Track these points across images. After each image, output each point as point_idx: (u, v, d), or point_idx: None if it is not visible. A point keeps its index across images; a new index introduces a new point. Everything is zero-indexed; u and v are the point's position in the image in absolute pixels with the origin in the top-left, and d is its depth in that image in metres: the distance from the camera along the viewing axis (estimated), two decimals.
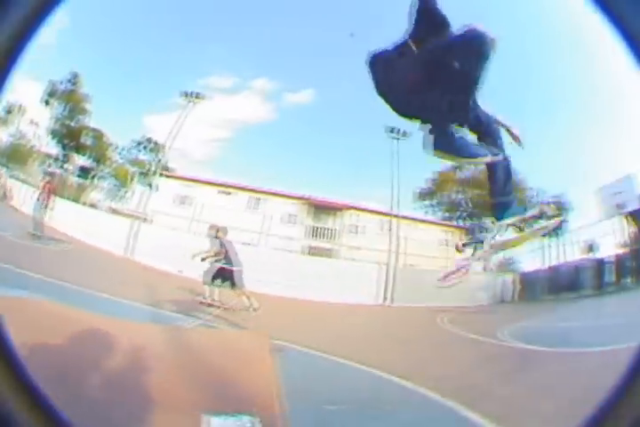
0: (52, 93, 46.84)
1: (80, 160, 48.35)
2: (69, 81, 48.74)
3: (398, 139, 28.10)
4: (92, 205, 42.61)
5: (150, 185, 34.21)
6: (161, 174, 35.56)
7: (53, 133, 46.87)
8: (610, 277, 21.87)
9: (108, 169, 48.93)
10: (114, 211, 39.75)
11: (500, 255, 36.14)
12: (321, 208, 34.04)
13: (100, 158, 48.41)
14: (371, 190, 52.58)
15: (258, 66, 54.79)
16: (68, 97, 46.91)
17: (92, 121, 48.56)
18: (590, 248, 30.36)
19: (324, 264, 23.81)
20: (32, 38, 0.72)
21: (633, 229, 12.29)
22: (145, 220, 26.29)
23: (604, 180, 14.69)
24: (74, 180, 45.24)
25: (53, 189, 21.24)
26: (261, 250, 24.53)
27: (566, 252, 29.62)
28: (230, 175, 38.07)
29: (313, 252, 29.93)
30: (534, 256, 30.83)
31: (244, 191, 33.91)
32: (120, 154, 50.38)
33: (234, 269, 13.35)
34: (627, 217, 12.76)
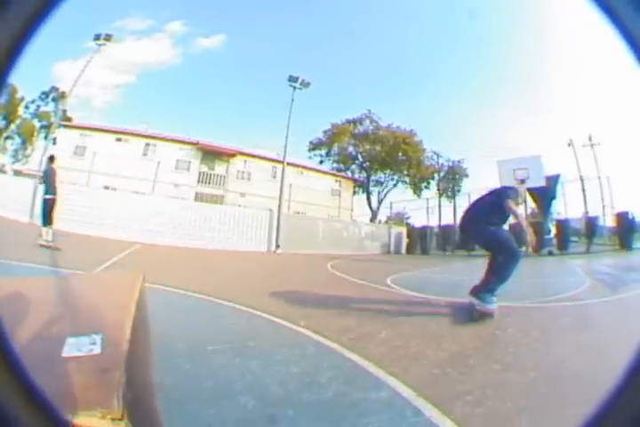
0: None
1: None
2: None
3: (299, 88, 28.01)
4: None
5: (50, 139, 31.87)
6: (61, 126, 33.20)
7: None
8: None
9: (15, 127, 44.78)
10: (17, 172, 36.28)
11: (392, 208, 37.87)
12: (212, 154, 33.46)
13: (10, 116, 44.33)
14: (265, 139, 52.40)
15: (175, 7, 51.97)
16: None
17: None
18: None
19: (214, 211, 22.82)
20: (32, 38, 0.69)
21: (531, 205, 12.94)
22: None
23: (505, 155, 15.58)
24: None
25: None
26: (153, 199, 23.80)
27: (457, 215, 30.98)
28: (128, 122, 36.91)
29: (204, 198, 29.63)
30: (428, 213, 32.64)
31: (137, 138, 32.74)
32: (27, 108, 46.46)
33: (45, 197, 12.28)
34: (526, 192, 13.54)
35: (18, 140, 45.12)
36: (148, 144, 32.48)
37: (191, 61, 46.18)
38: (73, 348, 1.72)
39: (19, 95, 43.29)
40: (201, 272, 11.82)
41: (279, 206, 24.68)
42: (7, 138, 44.45)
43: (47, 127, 42.13)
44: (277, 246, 22.21)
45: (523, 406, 3.12)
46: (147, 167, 29.60)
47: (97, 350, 1.69)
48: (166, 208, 21.69)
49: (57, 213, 12.23)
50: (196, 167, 32.72)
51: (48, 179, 12.59)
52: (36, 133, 44.76)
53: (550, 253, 21.05)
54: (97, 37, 28.30)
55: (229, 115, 49.40)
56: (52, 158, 13.03)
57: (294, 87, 27.77)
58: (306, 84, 28.14)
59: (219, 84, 50.67)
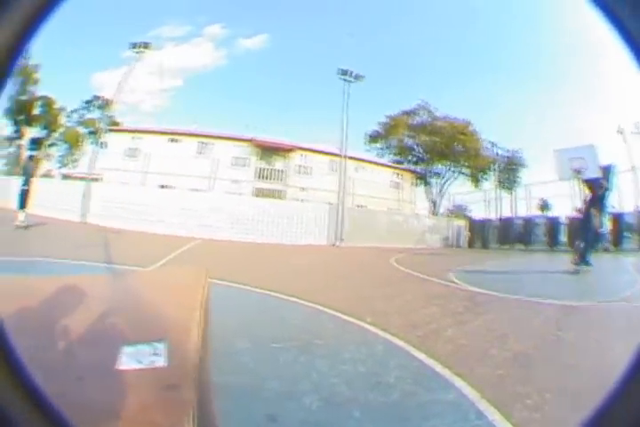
0: None
1: (31, 132, 46.93)
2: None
3: (350, 81, 27.69)
4: (46, 175, 40.90)
5: (101, 143, 33.20)
6: (109, 130, 34.10)
7: (6, 113, 45.18)
8: (562, 237, 23.25)
9: (58, 135, 47.73)
10: (66, 177, 38.34)
11: (452, 201, 37.15)
12: (269, 150, 33.31)
13: (51, 126, 46.64)
14: (322, 133, 52.26)
15: (210, 12, 52.62)
16: (22, 71, 45.52)
17: (41, 90, 47.56)
18: (544, 206, 31.61)
19: (272, 206, 22.91)
20: (32, 38, 0.69)
21: (587, 195, 12.75)
22: (95, 179, 25.32)
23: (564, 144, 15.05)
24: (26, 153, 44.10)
25: None
26: (211, 195, 24.20)
27: (517, 205, 31.25)
28: (180, 124, 37.71)
29: (263, 193, 29.49)
30: (487, 205, 31.84)
31: (191, 137, 33.24)
32: (69, 117, 49.22)
33: (23, 188, 15.10)
34: (583, 183, 13.22)
35: (63, 146, 47.41)
36: (202, 143, 32.95)
37: (236, 61, 46.53)
38: (130, 358, 1.56)
39: (57, 106, 45.48)
40: (262, 267, 11.90)
41: (340, 200, 24.67)
42: (51, 145, 46.68)
43: (94, 133, 44.41)
44: (341, 240, 22.24)
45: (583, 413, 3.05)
46: (202, 165, 30.11)
47: (161, 361, 1.52)
48: (224, 204, 22.03)
49: (30, 200, 15.24)
50: (254, 163, 32.69)
51: (26, 174, 15.82)
52: (81, 140, 46.81)
53: (606, 250, 20.06)
54: (134, 46, 28.97)
55: (284, 111, 49.70)
56: (31, 157, 17.78)
57: (346, 80, 27.55)
58: (358, 77, 27.86)
59: (269, 82, 50.97)
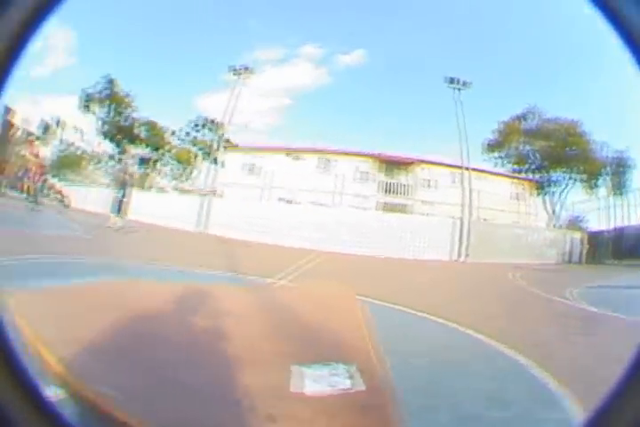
0: (88, 100, 50.71)
1: (137, 151, 52.38)
2: (108, 82, 52.45)
3: (459, 89, 27.85)
4: (160, 190, 45.72)
5: (215, 161, 35.59)
6: (225, 148, 36.85)
7: (104, 134, 51.02)
8: None
9: (168, 153, 52.51)
10: (182, 191, 42.09)
11: (570, 211, 34.71)
12: (392, 164, 33.22)
13: (157, 146, 51.99)
14: (438, 144, 51.48)
15: (301, 33, 54.02)
16: (110, 99, 50.75)
17: (142, 113, 52.12)
18: None
19: (398, 220, 23.56)
20: (32, 38, 0.77)
21: None
22: (214, 194, 27.97)
23: None
24: (136, 170, 49.15)
25: None
26: (335, 210, 25.03)
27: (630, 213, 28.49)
28: (294, 140, 38.68)
29: (387, 208, 29.53)
30: (600, 215, 29.73)
31: (311, 154, 33.98)
32: (178, 138, 53.80)
33: (120, 198, 18.68)
34: None
35: (174, 164, 51.98)
36: (321, 158, 33.44)
37: (339, 77, 47.49)
38: (310, 380, 1.29)
39: (159, 127, 49.64)
40: (387, 281, 12.09)
41: (465, 214, 24.66)
42: (161, 163, 51.29)
43: (206, 152, 48.47)
44: (466, 255, 21.98)
45: None
46: (324, 180, 30.72)
47: (359, 384, 1.29)
48: (348, 218, 22.73)
49: (126, 208, 18.98)
50: (376, 177, 32.47)
51: (122, 186, 19.98)
52: (193, 158, 51.10)
53: None
54: (234, 70, 30.58)
55: (395, 123, 49.69)
56: (125, 172, 23.52)
57: (455, 88, 27.60)
58: (466, 84, 27.81)
59: (374, 95, 51.42)
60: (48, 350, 2.02)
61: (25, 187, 29.64)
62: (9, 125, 30.20)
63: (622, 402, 0.63)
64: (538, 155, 36.92)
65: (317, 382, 1.50)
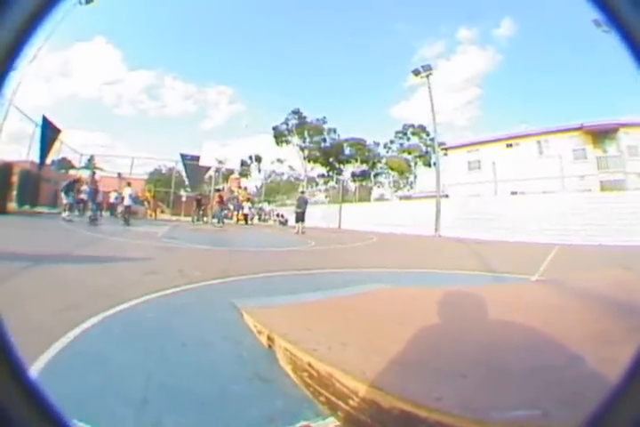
0: (278, 136, 57.68)
1: (350, 168, 58.56)
2: (294, 113, 57.94)
3: None
4: (380, 199, 50.84)
5: (432, 164, 36.76)
6: (444, 149, 37.91)
7: (310, 159, 57.35)
8: None
9: (382, 165, 57.62)
10: (403, 198, 45.43)
11: None
12: (598, 134, 29.98)
13: (367, 160, 57.62)
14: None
15: (445, 20, 53.13)
16: (302, 128, 56.86)
17: (343, 134, 57.60)
18: None
19: (620, 200, 19.66)
20: (32, 38, 0.72)
21: None
22: (440, 196, 27.13)
23: None
24: (352, 185, 54.66)
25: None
26: (560, 196, 22.68)
27: None
28: (503, 128, 37.85)
29: (607, 186, 26.60)
30: None
31: (526, 139, 32.86)
32: (388, 150, 58.80)
33: (297, 211, 22.88)
34: None
35: (390, 173, 57.34)
36: (539, 142, 32.10)
37: (507, 52, 46.80)
38: None
39: (367, 142, 57.77)
40: None
41: None
42: (377, 175, 57.74)
43: (419, 157, 54.20)
44: None
45: None
46: (544, 165, 29.43)
47: None
48: (575, 204, 20.30)
49: (305, 217, 22.61)
50: (591, 153, 29.90)
51: (301, 202, 22.93)
52: (407, 165, 55.71)
53: None
54: (416, 72, 30.28)
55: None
56: (302, 192, 26.77)
57: None
58: None
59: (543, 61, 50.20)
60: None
61: (235, 214, 34.87)
62: (204, 169, 36.61)
63: (622, 402, 0.64)
64: None
65: None
